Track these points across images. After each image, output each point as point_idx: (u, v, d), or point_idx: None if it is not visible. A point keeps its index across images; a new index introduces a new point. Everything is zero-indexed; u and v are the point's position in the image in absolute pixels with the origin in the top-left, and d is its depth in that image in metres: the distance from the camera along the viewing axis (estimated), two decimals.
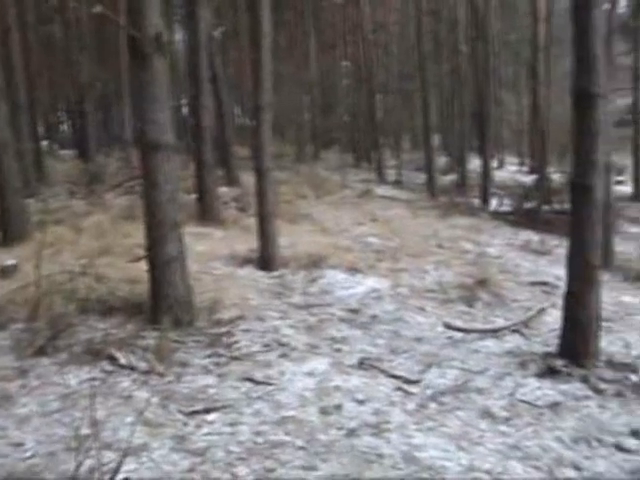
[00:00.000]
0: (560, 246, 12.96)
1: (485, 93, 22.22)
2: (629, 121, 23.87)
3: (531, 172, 27.52)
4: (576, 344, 6.63)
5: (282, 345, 6.80)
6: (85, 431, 4.16)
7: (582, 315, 6.62)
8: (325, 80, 33.94)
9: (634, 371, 6.49)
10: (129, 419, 4.88)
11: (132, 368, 5.98)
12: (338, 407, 5.40)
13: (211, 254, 10.22)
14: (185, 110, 30.23)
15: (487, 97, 22.35)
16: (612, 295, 9.59)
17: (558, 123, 25.25)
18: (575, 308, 6.67)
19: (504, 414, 5.47)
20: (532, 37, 26.17)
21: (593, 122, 6.40)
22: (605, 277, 8.40)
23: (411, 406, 5.55)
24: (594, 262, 6.62)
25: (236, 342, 6.79)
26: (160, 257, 7.05)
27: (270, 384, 5.82)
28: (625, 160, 23.11)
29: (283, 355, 6.56)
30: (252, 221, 10.94)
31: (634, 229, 17.36)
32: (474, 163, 24.54)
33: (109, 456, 4.23)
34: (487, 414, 5.45)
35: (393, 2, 31.52)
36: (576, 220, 6.70)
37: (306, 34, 30.10)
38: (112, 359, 6.09)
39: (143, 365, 6.04)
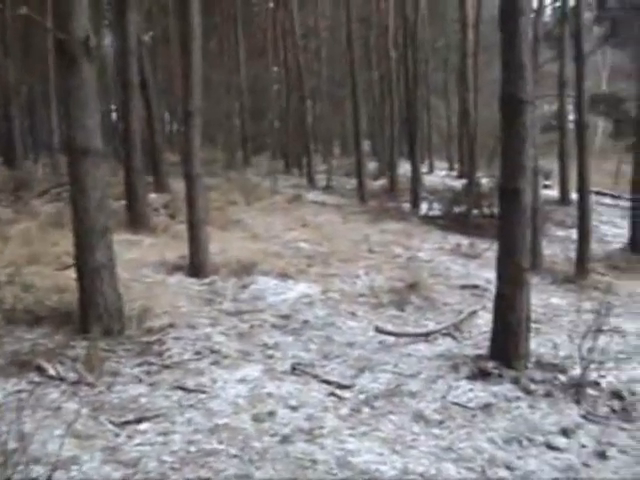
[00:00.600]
0: (490, 249, 13.19)
1: (415, 99, 22.47)
2: (555, 126, 24.38)
3: (460, 176, 27.90)
4: (507, 346, 6.71)
5: (214, 352, 6.74)
6: (12, 445, 4.04)
7: (512, 317, 6.72)
8: (255, 85, 33.85)
9: (562, 372, 6.61)
10: (58, 431, 4.75)
11: (61, 379, 5.84)
12: (271, 414, 5.37)
13: (141, 261, 10.09)
14: (114, 115, 29.87)
15: (417, 103, 22.61)
16: (541, 297, 9.80)
17: (486, 128, 25.66)
18: (505, 311, 6.77)
19: (437, 417, 5.51)
20: (461, 44, 26.58)
21: (521, 127, 6.51)
22: (534, 279, 8.57)
23: (344, 411, 5.55)
24: (523, 265, 6.72)
25: (167, 350, 6.71)
26: (89, 265, 6.92)
27: (202, 392, 5.76)
28: (551, 164, 23.59)
29: (215, 362, 6.50)
30: (182, 228, 10.86)
31: (561, 232, 17.75)
32: (404, 168, 24.79)
33: (38, 470, 4.14)
34: (420, 417, 5.48)
35: (323, 8, 31.60)
36: (505, 224, 6.80)
37: (236, 39, 29.99)
38: (40, 370, 5.94)
39: (72, 376, 5.91)
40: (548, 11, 25.52)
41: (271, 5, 33.77)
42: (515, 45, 6.46)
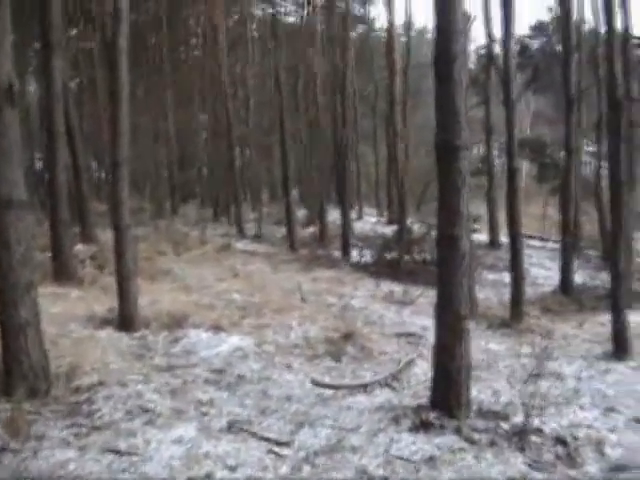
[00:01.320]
0: (423, 296, 13.24)
1: (343, 145, 22.59)
2: (482, 170, 24.82)
3: (390, 223, 28.04)
4: (447, 395, 6.63)
5: (146, 411, 6.45)
6: None
7: (452, 366, 6.64)
8: (183, 133, 33.70)
9: (505, 419, 6.57)
10: None
11: None
12: (209, 476, 5.14)
13: (68, 315, 9.74)
14: (39, 165, 29.28)
15: (345, 149, 22.73)
16: (478, 343, 9.76)
17: (415, 174, 25.95)
18: (445, 359, 6.69)
19: (381, 472, 5.36)
20: (388, 90, 26.93)
21: (457, 174, 6.50)
22: (470, 325, 8.52)
23: (284, 470, 5.35)
24: (462, 312, 6.67)
25: (97, 410, 6.41)
26: (13, 322, 6.60)
27: (135, 454, 5.48)
28: (478, 208, 23.90)
29: (148, 422, 6.20)
30: (111, 280, 10.52)
31: (492, 276, 17.93)
32: (333, 215, 24.80)
33: None
34: (364, 473, 5.33)
35: (252, 56, 31.72)
36: (443, 271, 6.75)
37: (164, 86, 29.86)
38: None
39: None
40: (472, 57, 26.20)
41: (199, 53, 33.72)
42: (449, 91, 6.47)
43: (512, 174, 12.92)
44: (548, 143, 27.59)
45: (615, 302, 10.26)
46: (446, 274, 6.71)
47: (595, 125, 22.04)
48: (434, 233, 18.86)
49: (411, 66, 27.98)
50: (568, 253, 15.86)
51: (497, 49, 21.65)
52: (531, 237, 24.87)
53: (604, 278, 16.01)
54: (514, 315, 12.20)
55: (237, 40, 31.59)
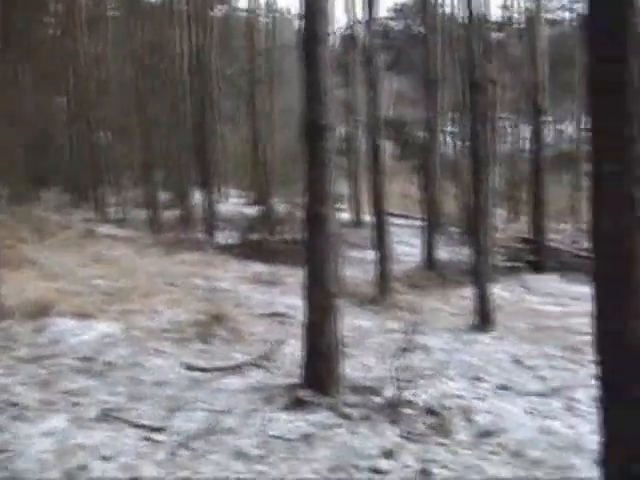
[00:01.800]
0: (290, 275, 13.27)
1: (206, 127, 22.34)
2: (345, 150, 25.12)
3: (254, 203, 27.94)
4: (320, 373, 6.71)
5: (13, 405, 6.21)
6: None
7: (323, 344, 6.73)
8: (42, 116, 32.41)
9: (377, 393, 6.71)
10: None
11: None
12: (83, 467, 4.99)
13: None
14: None
15: (208, 131, 22.49)
16: (347, 320, 9.87)
17: (278, 155, 25.95)
18: (316, 337, 6.76)
19: (258, 452, 5.36)
20: (251, 70, 26.79)
21: (324, 153, 6.55)
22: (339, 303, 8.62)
23: (161, 456, 5.26)
24: (332, 290, 6.75)
25: None
26: None
27: (4, 451, 5.27)
28: (341, 188, 24.14)
29: (15, 416, 5.95)
30: None
31: (357, 254, 18.14)
32: (197, 197, 24.50)
33: None
34: (241, 454, 5.31)
35: (112, 36, 30.77)
36: (312, 250, 6.80)
37: (20, 67, 28.64)
38: None
39: None
40: (335, 38, 26.45)
41: (55, 32, 32.48)
42: (316, 72, 6.50)
43: (376, 153, 13.14)
44: (409, 122, 28.19)
45: (478, 276, 10.64)
46: (315, 253, 6.77)
47: (455, 106, 22.74)
48: (299, 213, 19.08)
49: (275, 47, 27.92)
50: (431, 230, 16.27)
51: (360, 30, 21.92)
52: (394, 215, 25.35)
53: (466, 253, 16.59)
54: (381, 292, 12.44)
55: (96, 19, 30.61)
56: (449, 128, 27.78)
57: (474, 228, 10.82)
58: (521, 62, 22.28)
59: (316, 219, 6.68)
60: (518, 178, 26.39)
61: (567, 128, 37.11)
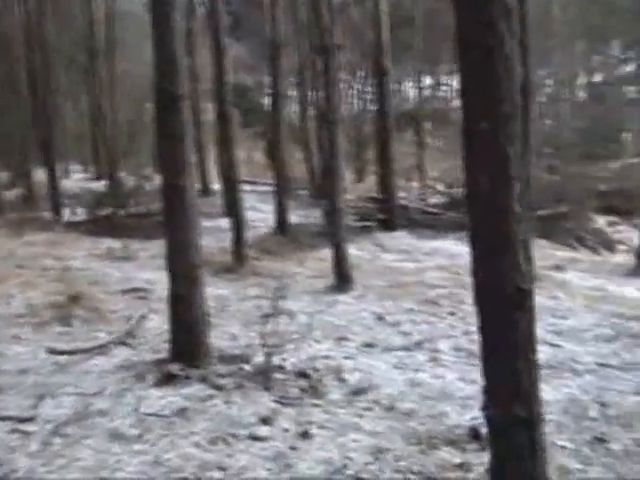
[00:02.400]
0: (144, 249, 13.07)
1: (44, 102, 21.45)
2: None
3: (98, 178, 27.17)
4: (188, 345, 6.67)
5: None
6: None
7: (190, 316, 6.70)
8: None
9: (246, 361, 6.73)
10: None
11: None
12: None
13: None
14: None
15: (47, 106, 21.60)
16: (208, 290, 9.81)
17: (124, 126, 25.29)
18: (182, 310, 6.71)
19: (134, 432, 5.24)
20: (89, 40, 25.84)
21: (179, 123, 6.43)
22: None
23: (34, 447, 5.03)
24: (195, 262, 6.69)
25: None
26: None
27: None
28: None
29: None
30: None
31: (209, 223, 17.90)
32: (39, 175, 23.59)
33: None
34: (117, 436, 5.18)
35: None
36: (172, 221, 6.71)
37: None
38: None
39: None
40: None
41: None
42: (167, 40, 6.34)
43: (224, 121, 13.00)
44: (251, 88, 28.15)
45: (334, 237, 10.77)
46: (175, 225, 6.68)
47: (298, 70, 22.82)
48: (148, 185, 18.74)
49: (115, 14, 26.99)
50: (281, 195, 16.29)
51: None
52: (242, 182, 25.31)
53: (317, 216, 16.80)
54: (237, 259, 12.37)
55: None
56: (294, 92, 27.83)
57: (330, 189, 10.88)
58: (363, 24, 22.55)
59: (174, 191, 6.56)
60: (363, 138, 26.82)
61: (407, 88, 38.00)
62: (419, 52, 25.32)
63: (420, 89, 29.32)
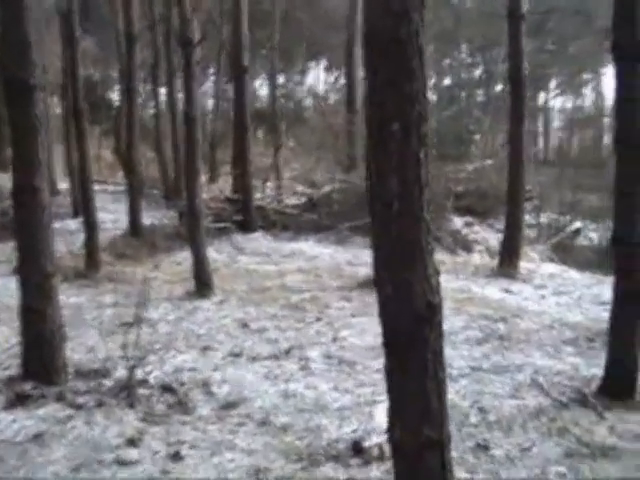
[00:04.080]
0: None
1: None
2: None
3: None
4: (42, 361, 6.19)
5: None
6: None
7: (44, 329, 6.22)
8: None
9: (106, 376, 6.35)
10: None
11: None
12: None
13: None
14: None
15: None
16: (60, 298, 9.24)
17: None
18: (36, 323, 6.22)
19: None
20: None
21: (35, 118, 5.95)
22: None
23: None
24: (50, 270, 6.23)
25: None
26: None
27: None
28: None
29: None
30: None
31: (56, 224, 17.04)
32: None
33: None
34: None
35: None
36: (24, 226, 6.21)
37: None
38: None
39: None
40: None
41: None
42: (20, 21, 5.78)
43: (77, 116, 12.28)
44: (98, 82, 27.24)
45: (192, 240, 10.38)
46: (28, 230, 6.18)
47: (151, 65, 22.21)
48: None
49: None
50: (134, 195, 15.71)
51: None
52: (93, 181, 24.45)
53: (171, 217, 16.35)
54: (90, 264, 11.76)
55: None
56: (148, 87, 27.11)
57: (189, 190, 10.44)
58: (220, 20, 22.21)
59: (27, 192, 6.06)
60: (217, 137, 26.42)
61: (262, 86, 37.98)
62: (274, 50, 25.06)
63: (274, 87, 29.11)
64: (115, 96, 31.27)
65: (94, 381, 6.20)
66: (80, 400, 5.77)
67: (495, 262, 12.49)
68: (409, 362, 3.07)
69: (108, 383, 6.17)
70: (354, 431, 5.16)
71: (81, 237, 12.47)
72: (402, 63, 2.77)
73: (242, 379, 6.53)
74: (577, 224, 19.69)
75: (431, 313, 3.03)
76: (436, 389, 3.07)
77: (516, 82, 11.29)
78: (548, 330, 8.35)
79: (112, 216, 18.01)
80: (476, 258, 14.41)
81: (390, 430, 3.20)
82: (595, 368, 6.49)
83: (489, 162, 19.76)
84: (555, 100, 47.33)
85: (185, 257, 10.99)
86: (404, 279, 2.98)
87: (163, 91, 24.53)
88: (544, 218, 19.10)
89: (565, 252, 16.60)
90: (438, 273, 3.10)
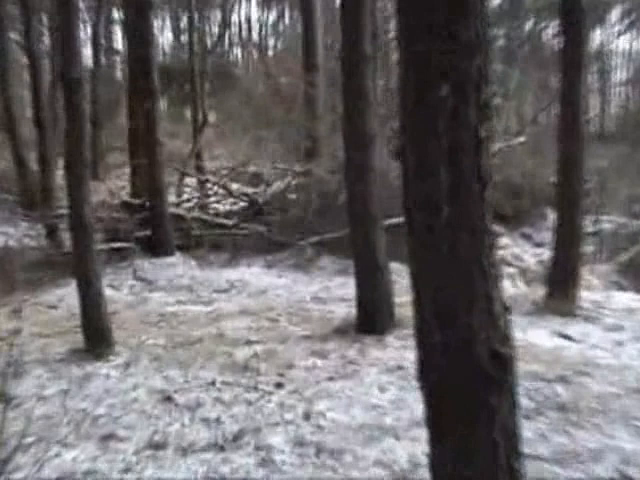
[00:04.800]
0: None
1: None
2: None
3: None
4: None
5: None
6: None
7: None
8: None
9: None
10: None
11: None
12: None
13: None
14: None
15: None
16: None
17: None
18: None
19: None
20: None
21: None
22: None
23: None
24: None
25: None
26: None
27: None
28: None
29: None
30: None
31: None
32: None
33: None
34: None
35: None
36: None
37: None
38: None
39: None
40: None
41: None
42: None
43: None
44: None
45: (82, 268, 10.17)
46: None
47: None
48: None
49: None
50: None
51: None
52: None
53: (35, 234, 16.18)
54: None
55: None
56: None
57: (74, 195, 10.20)
58: None
59: None
60: (102, 109, 26.58)
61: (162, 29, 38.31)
62: None
63: (191, 30, 29.13)
64: None
65: None
66: None
67: (538, 292, 12.38)
68: (468, 446, 2.92)
69: None
70: None
71: None
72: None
73: None
74: None
75: (500, 370, 2.90)
76: None
77: (571, 13, 11.01)
78: (635, 395, 8.24)
79: None
80: (507, 286, 14.36)
81: None
82: None
83: (520, 140, 19.72)
84: (618, 40, 46.56)
85: (62, 295, 10.80)
86: (459, 320, 2.84)
87: (14, 36, 24.46)
88: (606, 223, 19.01)
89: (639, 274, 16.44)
90: (508, 310, 2.97)
